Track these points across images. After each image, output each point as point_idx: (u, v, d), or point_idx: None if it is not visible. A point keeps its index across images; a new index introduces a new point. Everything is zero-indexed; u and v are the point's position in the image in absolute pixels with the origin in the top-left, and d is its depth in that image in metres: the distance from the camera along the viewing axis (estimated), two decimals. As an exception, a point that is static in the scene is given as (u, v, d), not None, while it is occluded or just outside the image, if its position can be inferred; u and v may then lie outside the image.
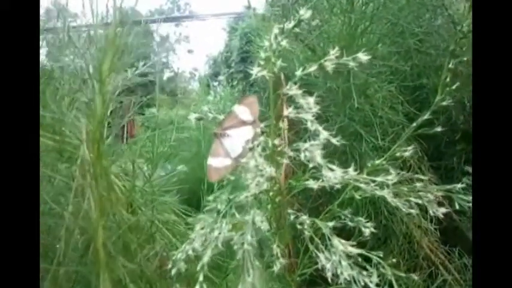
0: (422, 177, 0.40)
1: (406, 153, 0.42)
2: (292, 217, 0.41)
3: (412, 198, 0.39)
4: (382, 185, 0.39)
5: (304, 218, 0.40)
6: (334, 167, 0.38)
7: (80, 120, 0.47)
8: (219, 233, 0.38)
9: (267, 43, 0.40)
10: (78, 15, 0.52)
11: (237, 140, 0.43)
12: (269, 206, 0.43)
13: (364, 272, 0.36)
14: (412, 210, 0.39)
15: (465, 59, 0.52)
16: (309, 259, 0.42)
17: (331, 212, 0.42)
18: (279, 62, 0.40)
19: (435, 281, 0.69)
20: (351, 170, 0.39)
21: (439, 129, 0.42)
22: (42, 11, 0.45)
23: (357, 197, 0.41)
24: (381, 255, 0.38)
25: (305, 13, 0.39)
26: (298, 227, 0.39)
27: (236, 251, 0.37)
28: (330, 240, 0.37)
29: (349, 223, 0.40)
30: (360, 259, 0.36)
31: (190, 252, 0.39)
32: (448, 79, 0.41)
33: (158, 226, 0.54)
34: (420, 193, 0.39)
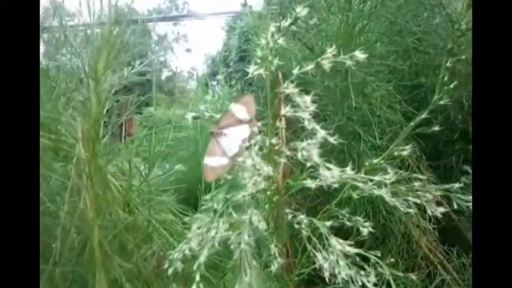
0: (420, 176, 0.40)
1: (404, 152, 0.42)
2: (289, 216, 0.40)
3: (410, 198, 0.39)
4: (380, 184, 0.39)
5: (302, 217, 0.39)
6: (331, 166, 0.38)
7: (76, 119, 0.47)
8: (216, 233, 0.38)
9: (263, 41, 0.40)
10: (75, 14, 0.52)
11: (233, 139, 0.43)
12: (266, 206, 0.42)
13: (362, 272, 0.36)
14: (410, 210, 0.39)
15: (463, 57, 0.52)
16: (306, 259, 0.42)
17: (329, 211, 0.42)
18: (275, 61, 0.39)
19: (434, 280, 0.69)
20: (348, 169, 0.39)
21: (437, 128, 0.42)
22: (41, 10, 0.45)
23: (355, 196, 0.41)
24: (379, 255, 0.38)
25: (301, 11, 0.39)
26: (296, 226, 0.39)
27: (233, 251, 0.37)
28: (327, 239, 0.37)
29: (347, 222, 0.40)
30: (357, 259, 0.36)
31: (187, 251, 0.39)
32: (446, 78, 0.41)
33: (155, 226, 0.54)
34: (418, 192, 0.39)
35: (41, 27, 0.51)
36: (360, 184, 0.39)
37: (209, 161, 0.43)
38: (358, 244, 0.37)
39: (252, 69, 0.40)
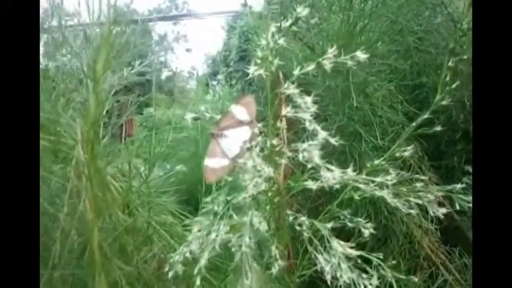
0: (422, 177, 0.40)
1: (406, 153, 0.41)
2: (291, 218, 0.40)
3: (412, 199, 0.39)
4: (381, 185, 0.39)
5: (303, 219, 0.39)
6: (332, 167, 0.38)
7: (75, 120, 0.47)
8: (217, 235, 0.38)
9: (264, 41, 0.40)
10: (74, 14, 0.52)
11: (234, 140, 0.42)
12: (268, 207, 0.42)
13: (364, 275, 0.35)
14: (412, 211, 0.38)
15: (465, 57, 0.51)
16: (308, 260, 0.42)
17: (330, 212, 0.42)
18: (276, 61, 0.39)
19: (436, 281, 0.68)
20: (349, 170, 0.38)
21: (439, 128, 0.42)
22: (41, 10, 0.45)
23: (356, 197, 0.41)
24: (381, 257, 0.37)
25: (302, 11, 0.39)
26: (297, 228, 0.39)
27: (234, 253, 0.36)
28: (329, 242, 0.37)
29: (349, 224, 0.39)
30: (359, 261, 0.36)
31: (187, 254, 0.38)
32: (447, 78, 0.40)
33: (155, 228, 0.54)
34: (420, 193, 0.39)
35: (40, 27, 0.51)
36: (361, 185, 0.39)
37: (210, 162, 0.43)
38: (360, 246, 0.37)
39: (252, 70, 0.39)
